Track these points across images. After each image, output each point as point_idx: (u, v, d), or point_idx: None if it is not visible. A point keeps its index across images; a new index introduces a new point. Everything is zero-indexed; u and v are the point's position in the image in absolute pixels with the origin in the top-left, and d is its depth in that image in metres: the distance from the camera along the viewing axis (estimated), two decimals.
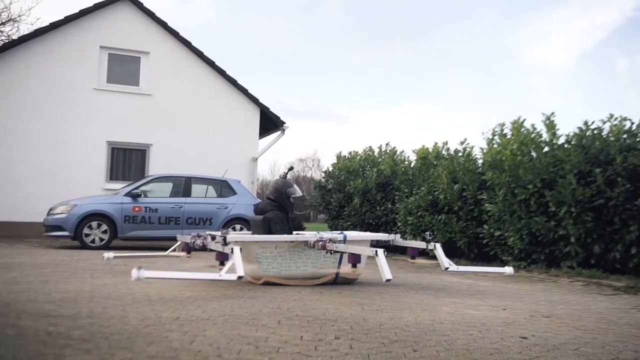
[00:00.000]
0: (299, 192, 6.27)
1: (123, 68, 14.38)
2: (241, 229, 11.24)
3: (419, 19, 69.13)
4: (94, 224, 10.31)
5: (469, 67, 69.25)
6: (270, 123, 15.66)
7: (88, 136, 13.67)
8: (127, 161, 14.23)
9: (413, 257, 6.18)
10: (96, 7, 14.03)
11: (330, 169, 15.04)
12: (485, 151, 9.39)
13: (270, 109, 15.27)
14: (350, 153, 14.60)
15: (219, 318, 3.73)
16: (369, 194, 12.68)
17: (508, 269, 5.91)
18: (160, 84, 14.38)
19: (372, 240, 6.31)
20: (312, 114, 67.06)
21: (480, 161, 9.84)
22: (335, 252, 5.54)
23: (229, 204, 11.26)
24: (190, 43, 14.72)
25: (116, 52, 14.27)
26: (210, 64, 14.86)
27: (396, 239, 6.31)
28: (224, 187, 11.56)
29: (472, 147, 10.29)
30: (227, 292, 5.02)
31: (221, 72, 14.95)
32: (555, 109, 42.39)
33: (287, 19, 70.82)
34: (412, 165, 12.09)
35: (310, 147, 79.08)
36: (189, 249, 6.15)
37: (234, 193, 11.47)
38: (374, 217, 12.41)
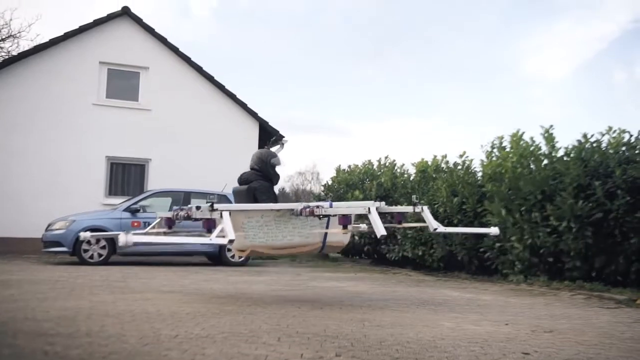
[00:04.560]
0: (282, 162, 6.19)
1: (122, 83, 14.42)
2: None
3: (418, 32, 69.59)
4: (93, 239, 10.26)
5: (468, 79, 69.55)
6: (269, 136, 15.66)
7: (87, 151, 13.67)
8: (126, 176, 14.22)
9: (400, 222, 6.01)
10: (95, 23, 14.10)
11: (330, 182, 15.02)
12: (485, 163, 9.39)
13: (269, 123, 15.31)
14: (349, 166, 14.60)
15: (218, 336, 3.69)
16: None
17: (494, 230, 5.91)
18: (159, 99, 14.41)
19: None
20: (311, 127, 67.15)
21: (479, 174, 9.83)
22: (324, 216, 5.36)
23: None
24: (190, 58, 14.79)
25: (115, 67, 14.32)
26: (210, 78, 14.92)
27: (381, 206, 6.03)
28: (223, 202, 11.51)
29: (472, 160, 10.31)
30: (226, 308, 4.98)
31: (220, 87, 15.00)
32: (554, 121, 42.57)
33: (286, 33, 71.25)
34: (412, 178, 12.08)
35: (310, 160, 79.21)
36: (170, 223, 6.08)
37: None
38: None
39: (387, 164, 13.56)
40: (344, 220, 5.19)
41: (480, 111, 67.99)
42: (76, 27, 13.98)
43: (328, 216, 5.56)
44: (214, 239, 4.68)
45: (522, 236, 8.16)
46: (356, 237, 12.85)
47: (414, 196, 5.88)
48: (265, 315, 4.66)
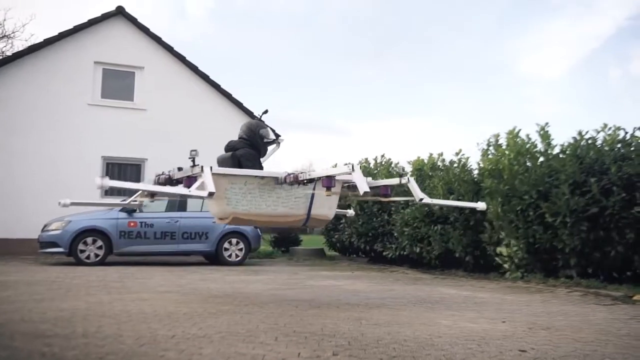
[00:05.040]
0: (272, 136, 6.07)
1: (117, 83, 14.36)
2: (237, 243, 11.21)
3: (417, 33, 69.60)
4: (89, 239, 10.24)
5: (466, 78, 69.62)
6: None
7: (83, 151, 13.61)
8: (122, 176, 14.16)
9: (386, 196, 5.94)
10: (90, 23, 14.04)
11: None
12: (483, 160, 9.39)
13: (266, 122, 15.25)
14: (345, 165, 14.56)
15: (216, 335, 3.69)
16: (365, 205, 12.64)
17: (481, 204, 5.92)
18: (154, 99, 14.37)
19: (344, 183, 5.99)
20: (308, 127, 67.16)
21: (476, 171, 9.85)
22: (309, 181, 5.26)
23: None
24: (185, 57, 14.75)
25: (110, 67, 14.26)
26: (205, 77, 14.88)
27: (369, 180, 5.96)
28: None
29: (468, 157, 10.32)
30: (223, 308, 4.98)
31: (215, 86, 14.96)
32: (550, 118, 42.60)
33: (285, 33, 71.16)
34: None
35: (306, 159, 79.07)
36: (152, 193, 6.05)
37: None
38: (371, 229, 12.38)
39: (383, 163, 13.56)
40: (327, 182, 5.08)
41: (478, 110, 68.11)
42: (71, 27, 13.91)
43: (313, 187, 5.45)
44: (193, 191, 4.65)
45: (518, 234, 8.18)
46: (348, 227, 12.83)
47: (401, 166, 5.76)
48: (262, 314, 4.66)
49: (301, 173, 5.25)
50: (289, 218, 5.58)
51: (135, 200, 6.28)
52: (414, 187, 5.56)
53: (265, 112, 6.37)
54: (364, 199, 6.22)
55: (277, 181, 5.39)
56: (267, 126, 6.17)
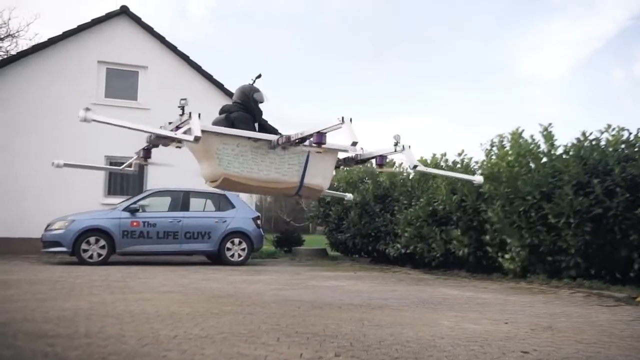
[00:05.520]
0: (266, 98, 5.96)
1: (121, 82, 14.38)
2: (240, 243, 11.22)
3: (417, 33, 69.52)
4: (92, 239, 10.25)
5: (466, 78, 69.57)
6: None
7: (86, 151, 13.61)
8: (125, 176, 14.18)
9: (381, 166, 5.88)
10: (94, 23, 14.07)
11: None
12: (485, 162, 9.38)
13: (268, 122, 15.25)
14: None
15: (218, 336, 3.69)
16: (368, 206, 12.65)
17: (477, 178, 5.92)
18: (158, 98, 14.36)
19: (339, 157, 5.96)
20: (308, 126, 67.03)
21: (479, 172, 9.83)
22: (301, 139, 5.14)
23: (228, 218, 11.22)
24: (189, 57, 14.75)
25: (114, 66, 14.28)
26: (208, 77, 14.88)
27: (364, 152, 5.94)
28: (222, 201, 11.52)
29: (470, 158, 10.30)
30: (225, 308, 4.98)
31: (219, 86, 14.96)
32: (552, 118, 42.56)
33: (284, 32, 71.16)
34: (411, 177, 12.07)
35: None
36: (146, 155, 5.98)
37: (233, 207, 11.44)
38: (373, 229, 12.38)
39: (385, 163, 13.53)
40: (319, 137, 5.00)
41: (478, 110, 68.02)
42: (75, 26, 13.93)
43: (307, 154, 5.39)
44: (179, 134, 4.62)
45: (521, 235, 8.16)
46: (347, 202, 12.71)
47: (396, 135, 5.68)
48: (264, 315, 4.66)
49: (293, 134, 5.16)
50: (281, 185, 5.48)
51: (130, 166, 6.27)
52: (409, 154, 5.47)
53: (259, 76, 6.19)
54: (354, 166, 6.13)
55: (271, 145, 5.29)
56: (261, 90, 5.99)
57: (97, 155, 13.74)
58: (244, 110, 5.78)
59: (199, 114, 4.80)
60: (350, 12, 67.36)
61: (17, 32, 20.96)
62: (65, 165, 6.20)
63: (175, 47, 14.66)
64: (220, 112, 5.93)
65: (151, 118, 14.15)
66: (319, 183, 5.62)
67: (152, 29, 14.52)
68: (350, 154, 5.96)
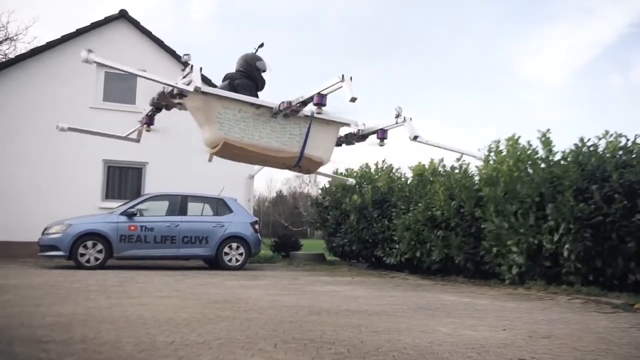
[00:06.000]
0: (269, 68, 5.99)
1: (119, 86, 14.38)
2: (237, 248, 11.19)
3: (415, 34, 69.71)
4: (89, 243, 10.23)
5: (465, 81, 69.70)
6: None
7: (84, 155, 13.62)
8: (123, 180, 14.19)
9: (382, 140, 5.88)
10: (93, 26, 14.08)
11: (327, 185, 15.01)
12: (481, 168, 9.39)
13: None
14: (346, 170, 14.59)
15: (214, 342, 3.67)
16: (366, 211, 12.64)
17: (478, 154, 5.93)
18: None
19: (340, 131, 5.96)
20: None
21: (477, 178, 9.83)
22: (302, 103, 5.13)
23: (225, 223, 11.21)
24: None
25: (112, 70, 14.26)
26: (207, 81, 14.86)
27: (365, 126, 5.96)
28: (220, 206, 11.51)
29: (469, 163, 10.30)
30: (222, 314, 4.97)
31: None
32: (549, 123, 42.61)
33: (285, 35, 71.29)
34: (409, 182, 12.08)
35: None
36: (149, 121, 6.01)
37: (230, 211, 11.43)
38: (371, 234, 12.36)
39: (384, 168, 13.56)
40: (319, 98, 5.00)
41: (478, 113, 68.12)
42: (73, 30, 13.96)
43: (309, 123, 5.37)
44: (179, 83, 4.63)
45: (518, 240, 8.16)
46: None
47: (398, 107, 5.68)
48: (261, 320, 4.65)
49: (294, 99, 5.16)
50: (282, 154, 5.46)
51: (134, 134, 6.28)
52: (410, 125, 5.50)
53: (261, 45, 6.17)
54: (355, 143, 6.11)
55: (273, 111, 5.27)
56: (263, 59, 6.01)
57: (95, 158, 13.75)
58: (247, 78, 5.80)
59: (201, 67, 4.82)
60: (350, 14, 67.58)
61: (16, 35, 21.05)
62: (70, 129, 6.25)
63: (174, 51, 14.67)
64: (224, 79, 5.93)
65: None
66: (319, 155, 5.62)
67: (150, 33, 14.54)
68: (352, 129, 5.98)
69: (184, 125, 14.44)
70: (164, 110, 6.15)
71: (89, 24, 14.09)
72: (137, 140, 6.54)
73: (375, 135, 5.91)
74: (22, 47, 21.68)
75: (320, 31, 71.55)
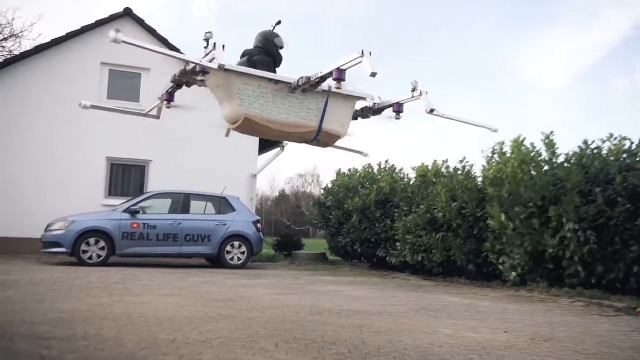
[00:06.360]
0: (286, 44, 6.06)
1: (124, 84, 14.38)
2: (240, 246, 11.20)
3: (415, 34, 69.62)
4: (92, 240, 10.24)
5: (465, 82, 69.57)
6: (269, 140, 15.63)
7: (87, 152, 13.64)
8: (126, 177, 14.19)
9: (398, 113, 5.88)
10: (98, 24, 14.08)
11: (330, 185, 15.02)
12: (487, 168, 9.37)
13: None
14: (349, 170, 14.59)
15: (216, 341, 3.68)
16: (368, 212, 12.63)
17: (493, 126, 5.94)
18: (159, 101, 14.38)
19: (356, 105, 5.99)
20: None
21: (480, 179, 9.82)
22: (321, 78, 5.18)
23: (228, 221, 11.21)
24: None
25: (117, 68, 14.30)
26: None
27: (381, 100, 5.96)
28: (222, 204, 11.52)
29: (472, 165, 10.29)
30: (224, 313, 4.97)
31: None
32: (553, 126, 42.49)
33: (287, 34, 71.12)
34: (412, 183, 12.06)
35: (310, 162, 79.14)
36: (169, 98, 6.06)
37: (233, 210, 11.43)
38: (373, 234, 12.36)
39: (387, 169, 13.55)
40: (338, 73, 5.04)
41: (478, 116, 67.86)
42: (78, 27, 13.96)
43: (326, 98, 5.44)
44: (203, 61, 4.69)
45: (522, 242, 8.14)
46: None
47: (414, 81, 5.70)
48: (263, 320, 4.65)
49: (313, 75, 5.23)
50: (301, 129, 5.54)
51: (154, 110, 6.39)
52: (426, 99, 5.54)
53: (279, 23, 6.22)
54: (371, 117, 6.15)
55: (291, 87, 5.36)
56: (280, 36, 6.07)
57: (99, 156, 13.77)
58: (265, 54, 5.87)
59: (223, 45, 4.85)
60: (350, 14, 67.53)
61: (21, 32, 21.01)
62: (92, 107, 6.30)
63: (179, 50, 14.65)
64: (242, 56, 5.99)
65: (153, 120, 14.16)
66: (337, 129, 5.68)
67: (155, 31, 14.54)
68: (368, 103, 6.04)
69: (188, 124, 14.51)
70: (166, 110, 6.18)
71: (93, 21, 14.08)
72: (157, 117, 6.63)
73: (391, 109, 5.95)
74: (27, 44, 21.68)
75: (321, 31, 71.55)
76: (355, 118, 6.14)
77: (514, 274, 8.33)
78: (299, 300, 6.28)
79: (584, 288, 7.44)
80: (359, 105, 6.07)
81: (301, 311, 5.29)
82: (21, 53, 14.19)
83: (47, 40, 14.11)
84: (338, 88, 5.28)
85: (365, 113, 6.08)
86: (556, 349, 3.86)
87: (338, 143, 6.17)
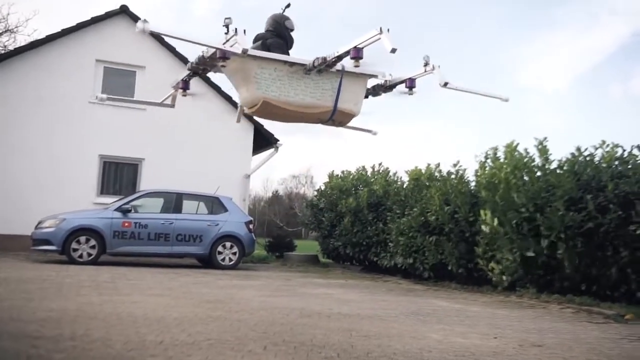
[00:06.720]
0: (296, 26, 6.15)
1: (118, 82, 14.31)
2: (231, 247, 11.17)
3: (415, 34, 69.74)
4: (82, 238, 10.18)
5: (467, 82, 69.33)
6: (263, 140, 15.64)
7: (80, 149, 13.58)
8: (118, 175, 14.14)
9: (411, 88, 5.95)
10: (93, 21, 14.03)
11: (323, 187, 15.01)
12: (479, 173, 9.39)
13: (264, 126, 15.26)
14: (343, 172, 14.59)
15: (204, 342, 3.66)
16: (361, 214, 12.64)
17: (504, 96, 6.02)
18: (155, 98, 14.31)
19: (368, 82, 6.06)
20: (306, 130, 67.10)
21: (473, 183, 9.84)
22: (337, 58, 5.25)
23: (220, 221, 11.18)
24: (187, 58, 14.70)
25: (112, 65, 14.25)
26: (206, 79, 14.86)
27: (392, 77, 6.05)
28: (215, 204, 11.49)
29: (465, 169, 10.32)
30: (213, 314, 4.95)
31: (216, 88, 14.95)
32: (547, 130, 42.81)
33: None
34: (405, 186, 12.08)
35: (304, 163, 79.13)
36: (185, 86, 6.08)
37: (225, 210, 11.40)
38: (365, 237, 12.36)
39: (380, 171, 13.56)
40: (356, 52, 5.09)
41: (477, 117, 68.21)
42: (74, 24, 13.90)
43: (340, 77, 5.49)
44: (227, 47, 4.76)
45: (512, 247, 8.16)
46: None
47: (425, 56, 5.76)
48: (252, 322, 4.64)
49: (328, 56, 5.28)
50: (316, 109, 5.59)
51: (169, 99, 6.50)
52: (438, 72, 5.60)
53: (288, 5, 6.29)
54: (382, 94, 6.21)
55: (306, 68, 5.40)
56: (290, 18, 6.16)
57: (91, 153, 13.71)
58: (277, 37, 5.94)
59: (245, 30, 4.94)
60: (350, 14, 67.61)
61: (16, 27, 20.96)
62: (109, 98, 6.34)
63: (174, 48, 14.63)
64: (255, 40, 6.05)
65: (147, 118, 14.16)
66: (351, 108, 5.73)
67: None
68: (380, 81, 6.09)
69: (182, 123, 14.47)
70: (160, 108, 6.21)
71: (89, 18, 14.03)
72: (172, 106, 6.71)
73: (403, 85, 5.98)
74: (22, 40, 21.60)
75: (320, 31, 71.56)
76: (366, 96, 6.19)
77: (504, 278, 8.35)
78: (289, 302, 6.27)
79: (574, 294, 7.47)
80: (370, 83, 6.13)
81: (291, 313, 5.28)
82: (16, 48, 14.11)
83: (42, 36, 14.06)
84: (356, 66, 5.34)
85: (377, 90, 6.15)
86: (545, 356, 3.87)
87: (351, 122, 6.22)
